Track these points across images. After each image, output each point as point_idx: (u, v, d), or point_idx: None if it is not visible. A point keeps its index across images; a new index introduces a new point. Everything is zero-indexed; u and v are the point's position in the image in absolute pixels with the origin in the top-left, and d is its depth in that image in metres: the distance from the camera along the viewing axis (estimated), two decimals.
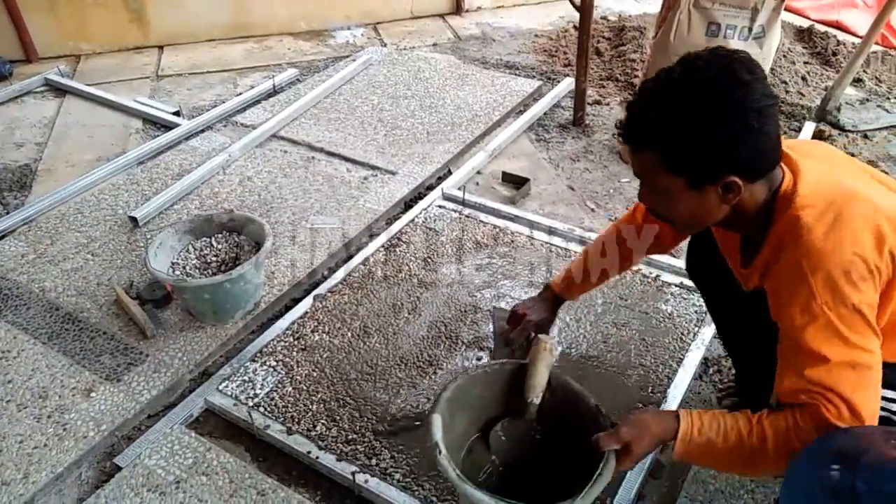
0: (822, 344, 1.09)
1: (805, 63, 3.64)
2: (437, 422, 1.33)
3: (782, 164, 1.19)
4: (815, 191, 1.14)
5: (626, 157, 2.89)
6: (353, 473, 1.64)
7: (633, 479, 1.60)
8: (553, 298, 1.77)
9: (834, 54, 3.72)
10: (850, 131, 2.99)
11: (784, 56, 3.58)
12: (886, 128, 3.00)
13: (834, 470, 1.06)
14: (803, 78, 3.49)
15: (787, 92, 3.35)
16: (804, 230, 1.11)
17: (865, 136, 2.98)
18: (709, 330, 2.00)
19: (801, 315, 1.10)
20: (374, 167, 2.88)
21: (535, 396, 1.41)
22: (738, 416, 1.19)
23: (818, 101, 3.20)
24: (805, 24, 4.03)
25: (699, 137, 1.08)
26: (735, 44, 2.49)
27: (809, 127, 3.06)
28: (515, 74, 3.66)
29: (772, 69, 3.29)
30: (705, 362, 1.94)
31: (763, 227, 1.20)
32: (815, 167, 1.18)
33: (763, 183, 1.17)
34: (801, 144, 1.26)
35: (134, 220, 2.56)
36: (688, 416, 1.21)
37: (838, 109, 3.07)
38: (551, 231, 2.46)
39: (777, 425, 1.14)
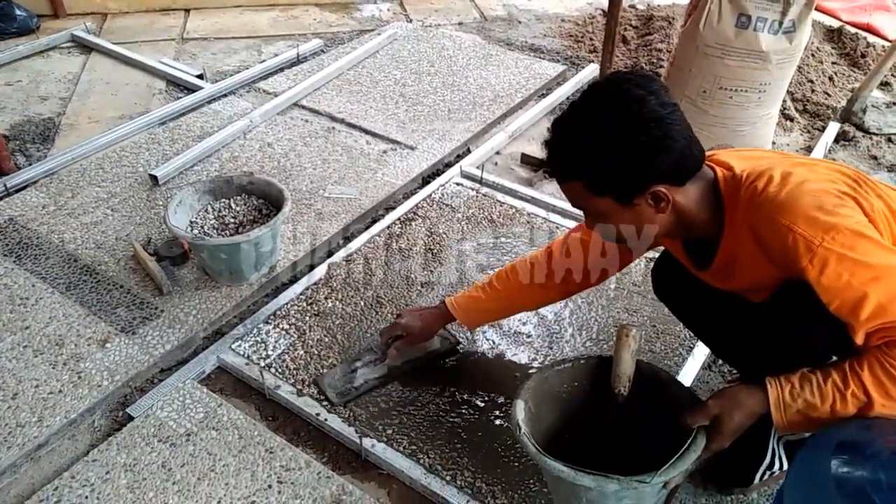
0: (850, 280, 1.07)
1: (833, 63, 3.61)
2: (519, 406, 1.35)
3: (710, 164, 1.24)
4: (754, 168, 1.19)
5: None
6: (360, 437, 1.67)
7: None
8: (439, 313, 1.75)
9: (863, 56, 3.68)
10: (874, 134, 2.97)
11: (812, 55, 3.55)
12: None
13: (839, 461, 1.07)
14: (830, 78, 3.46)
15: (812, 91, 3.32)
16: (763, 194, 1.15)
17: (890, 140, 2.95)
18: None
19: (812, 265, 1.08)
20: (393, 141, 2.89)
21: (623, 386, 1.38)
22: (828, 370, 1.16)
23: (844, 102, 3.17)
24: (835, 24, 3.98)
25: (609, 157, 1.14)
26: (764, 37, 2.47)
27: (834, 127, 3.04)
28: (540, 58, 3.64)
29: (799, 67, 3.26)
30: (714, 360, 1.94)
31: (715, 223, 1.23)
32: (741, 155, 1.25)
33: (693, 183, 1.20)
34: (721, 151, 1.32)
35: (154, 178, 2.58)
36: (775, 381, 1.18)
37: (864, 111, 3.04)
38: (567, 215, 2.46)
39: (872, 370, 1.11)
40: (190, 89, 3.27)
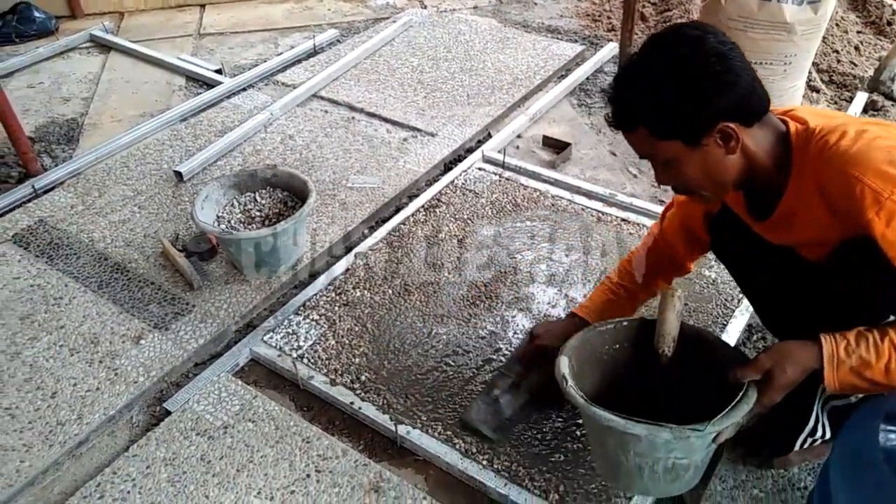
0: None
1: (858, 32, 3.53)
2: (564, 361, 1.34)
3: (784, 118, 1.23)
4: (828, 123, 1.18)
5: None
6: (395, 424, 1.67)
7: None
8: (575, 325, 1.65)
9: (889, 24, 3.59)
10: None
11: (836, 25, 3.47)
12: None
13: (888, 432, 1.06)
14: (856, 47, 3.38)
15: (838, 61, 3.25)
16: (835, 147, 1.13)
17: None
18: None
19: (878, 218, 1.07)
20: (414, 128, 2.88)
21: (667, 346, 1.36)
22: (885, 329, 1.13)
23: (871, 72, 3.10)
24: None
25: (672, 96, 1.13)
26: (788, 8, 2.42)
27: (862, 97, 2.97)
28: (557, 38, 3.60)
29: (824, 38, 3.19)
30: (749, 329, 1.92)
31: (781, 173, 1.21)
32: (816, 113, 1.23)
33: (763, 129, 1.19)
34: (797, 108, 1.30)
35: (179, 174, 2.60)
36: (830, 337, 1.16)
37: (892, 80, 2.97)
38: (593, 196, 2.44)
39: None
40: (209, 84, 3.28)
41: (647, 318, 1.44)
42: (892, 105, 2.93)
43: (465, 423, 1.67)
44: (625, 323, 1.46)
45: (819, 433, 1.46)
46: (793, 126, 1.21)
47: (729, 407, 1.16)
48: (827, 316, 1.19)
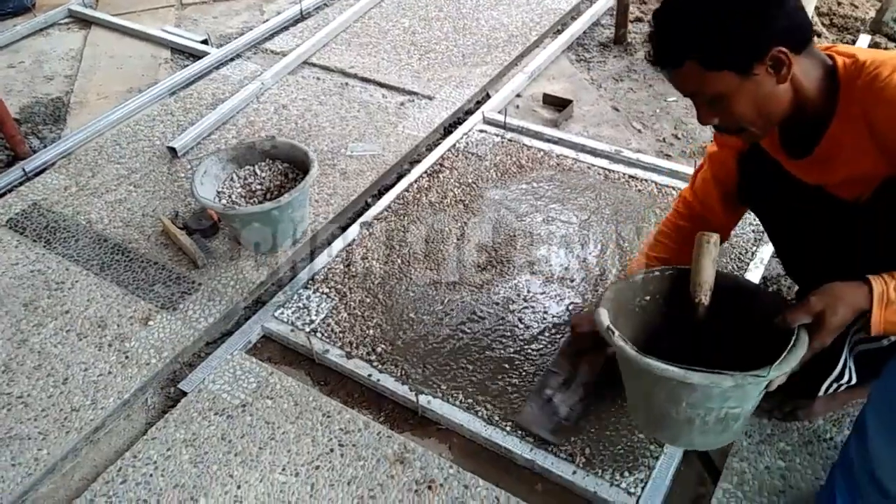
0: None
1: None
2: (604, 313, 1.29)
3: (831, 52, 1.19)
4: (877, 56, 1.14)
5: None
6: (416, 394, 1.66)
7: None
8: None
9: None
10: None
11: None
12: None
13: None
14: None
15: (839, 4, 3.19)
16: (887, 79, 1.10)
17: None
18: (767, 249, 1.96)
19: None
20: (410, 92, 2.81)
21: (704, 295, 1.31)
22: None
23: (873, 13, 3.04)
24: None
25: (722, 21, 1.09)
26: None
27: (864, 39, 2.92)
28: None
29: None
30: (764, 282, 1.91)
31: (826, 107, 1.18)
32: (862, 49, 1.19)
33: (810, 59, 1.15)
34: (841, 45, 1.25)
35: (173, 150, 2.53)
36: (878, 277, 1.12)
37: (895, 20, 2.92)
38: (598, 153, 2.40)
39: None
40: (196, 56, 3.19)
41: (680, 267, 1.40)
42: None
43: (520, 426, 1.59)
44: (656, 273, 1.41)
45: (845, 378, 1.44)
46: (840, 60, 1.17)
47: (786, 352, 1.13)
48: (862, 259, 1.17)
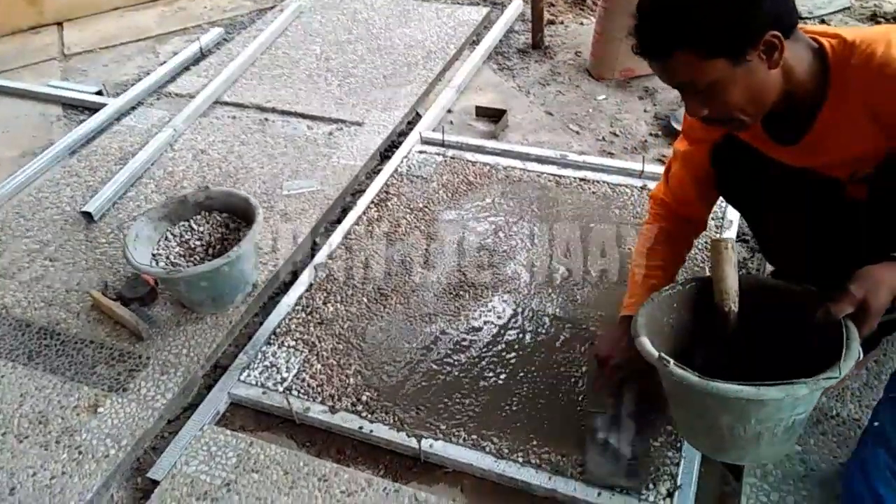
0: None
1: None
2: (647, 343, 1.21)
3: (813, 36, 1.18)
4: (867, 35, 1.14)
5: (600, 73, 2.80)
6: (418, 440, 1.55)
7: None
8: None
9: None
10: (806, 18, 2.99)
11: None
12: (840, 10, 3.02)
13: None
14: None
15: None
16: (883, 56, 1.09)
17: (823, 22, 2.99)
18: (729, 234, 1.98)
19: None
20: (337, 120, 2.69)
21: (733, 302, 1.26)
22: None
23: None
24: None
25: (717, 7, 1.06)
26: None
27: None
28: (459, 4, 3.48)
29: None
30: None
31: (817, 91, 1.17)
32: (843, 29, 1.20)
33: (798, 44, 1.14)
34: (819, 26, 1.28)
35: (87, 214, 2.30)
36: None
37: None
38: (544, 160, 2.37)
39: None
40: (92, 109, 2.93)
41: (700, 277, 1.36)
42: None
43: (594, 482, 1.45)
44: (678, 287, 1.36)
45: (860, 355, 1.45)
46: (826, 42, 1.16)
47: (844, 347, 1.09)
48: (869, 238, 1.17)
